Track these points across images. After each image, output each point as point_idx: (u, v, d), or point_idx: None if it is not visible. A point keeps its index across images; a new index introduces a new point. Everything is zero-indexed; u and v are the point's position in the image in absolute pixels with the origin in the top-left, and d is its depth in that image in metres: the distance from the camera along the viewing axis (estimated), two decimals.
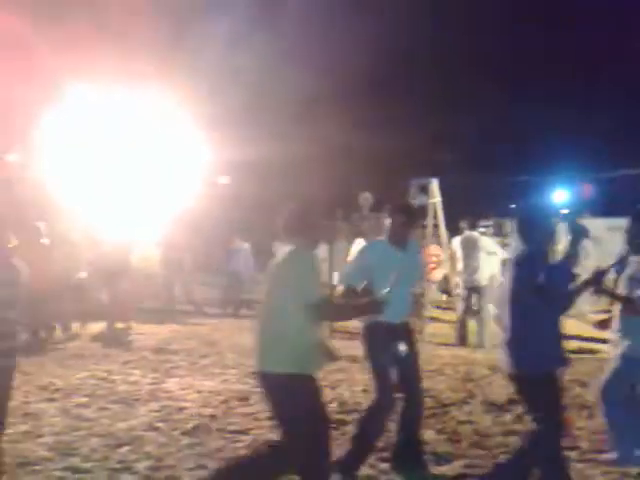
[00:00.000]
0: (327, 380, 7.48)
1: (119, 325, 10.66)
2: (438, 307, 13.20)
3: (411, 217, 5.14)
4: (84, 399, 6.77)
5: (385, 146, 20.03)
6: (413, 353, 5.08)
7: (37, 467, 4.88)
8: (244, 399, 6.81)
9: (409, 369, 5.00)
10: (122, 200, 11.93)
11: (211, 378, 7.77)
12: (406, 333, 5.10)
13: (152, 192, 12.70)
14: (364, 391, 7.00)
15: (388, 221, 5.13)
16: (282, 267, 3.92)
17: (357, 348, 9.55)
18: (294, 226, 4.01)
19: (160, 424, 5.96)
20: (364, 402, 6.54)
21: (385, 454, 5.12)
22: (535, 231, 4.25)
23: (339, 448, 5.31)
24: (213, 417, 6.22)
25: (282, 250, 4.03)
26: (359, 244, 12.29)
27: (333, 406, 6.50)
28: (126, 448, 5.33)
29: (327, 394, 6.87)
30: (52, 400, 6.69)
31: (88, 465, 4.95)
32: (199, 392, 7.10)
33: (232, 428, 5.89)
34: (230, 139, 15.23)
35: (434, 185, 11.05)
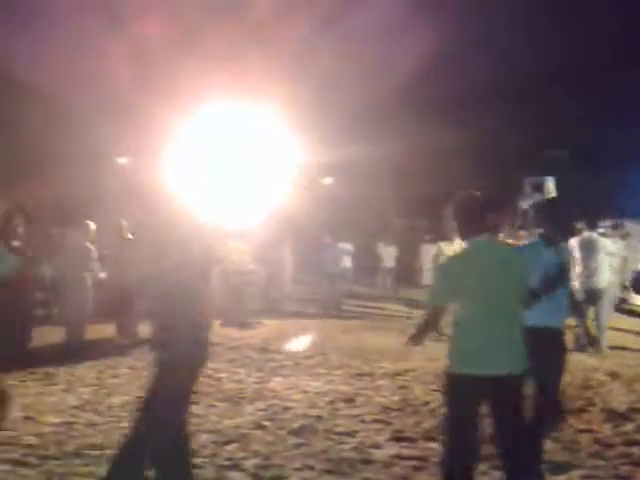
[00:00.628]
0: (436, 384, 7.26)
1: None
2: None
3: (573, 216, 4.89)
4: (192, 396, 6.83)
5: (496, 143, 19.54)
6: (562, 360, 4.80)
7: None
8: (350, 400, 6.70)
9: (551, 376, 4.73)
10: (225, 199, 12.09)
11: (316, 378, 7.70)
12: (561, 339, 4.82)
13: (254, 193, 12.83)
14: None
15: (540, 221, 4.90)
16: (505, 262, 3.78)
17: None
18: (477, 218, 3.86)
19: (267, 423, 5.94)
20: None
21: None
22: None
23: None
24: (319, 418, 6.14)
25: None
26: (458, 244, 12.04)
27: (442, 411, 6.26)
28: (234, 445, 5.33)
29: (436, 399, 6.68)
30: None
31: (197, 461, 4.96)
32: (304, 392, 7.05)
33: (338, 430, 5.79)
34: (335, 141, 15.23)
35: (549, 183, 10.63)
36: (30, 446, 5.00)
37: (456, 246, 11.98)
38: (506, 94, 21.21)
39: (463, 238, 3.92)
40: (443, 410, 3.90)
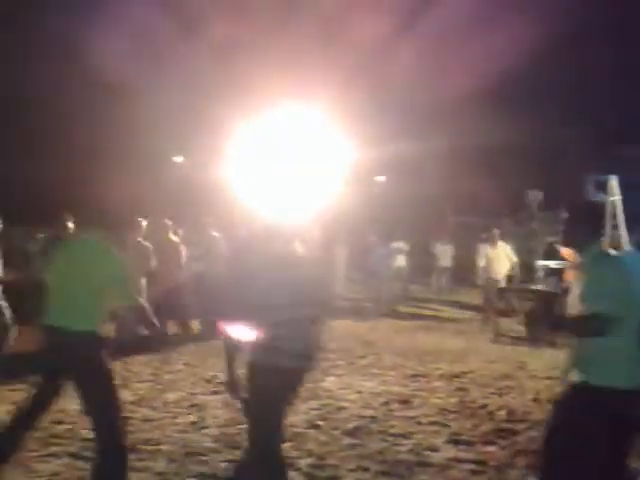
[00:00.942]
0: (494, 387, 7.13)
1: None
2: None
3: None
4: (246, 394, 6.80)
5: (556, 140, 19.08)
6: None
7: (204, 458, 4.94)
8: (405, 402, 6.58)
9: None
10: (283, 199, 12.10)
11: (370, 379, 7.60)
12: None
13: (309, 192, 12.81)
14: (534, 400, 6.55)
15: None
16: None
17: (524, 354, 9.12)
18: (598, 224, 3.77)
19: (321, 422, 5.87)
20: (534, 412, 6.12)
21: None
22: None
23: (509, 458, 5.00)
24: (374, 418, 6.04)
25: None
26: (504, 247, 11.82)
27: (501, 414, 6.10)
28: (288, 444, 5.25)
29: (495, 402, 6.53)
30: (216, 393, 6.79)
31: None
32: (359, 392, 6.95)
33: (393, 431, 5.68)
34: (389, 138, 15.10)
35: (613, 182, 10.32)
36: (87, 440, 5.03)
37: (500, 250, 11.78)
38: (566, 89, 20.74)
39: (582, 245, 3.68)
40: (565, 427, 3.51)
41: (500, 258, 11.72)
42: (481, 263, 11.98)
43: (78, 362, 4.19)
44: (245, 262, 4.04)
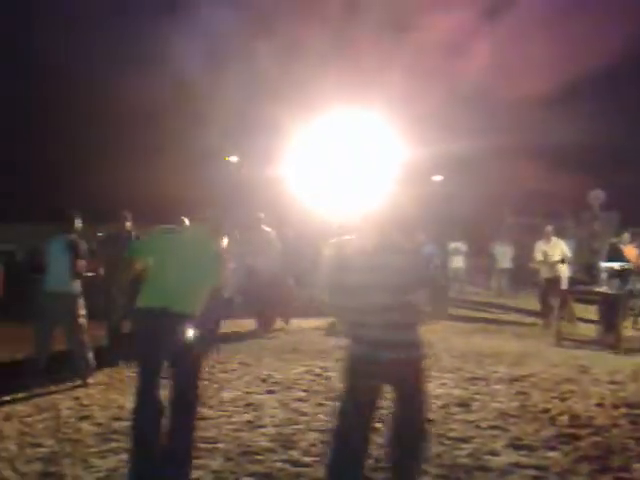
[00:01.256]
0: (556, 391, 6.91)
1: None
2: None
3: None
4: (302, 394, 6.79)
5: (620, 141, 18.55)
6: None
7: (259, 457, 4.91)
8: (464, 405, 6.43)
9: None
10: (335, 198, 12.09)
11: (428, 381, 7.44)
12: None
13: (364, 191, 12.77)
14: (598, 405, 6.32)
15: None
16: None
17: (586, 357, 8.84)
18: None
19: (377, 424, 5.76)
20: (598, 417, 5.90)
21: (624, 474, 4.53)
22: None
23: (572, 464, 4.83)
24: (431, 421, 5.91)
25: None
26: (558, 242, 11.58)
27: (563, 419, 5.90)
28: None
29: (557, 406, 6.33)
30: (271, 392, 6.80)
31: (307, 459, 4.90)
32: None
33: (452, 435, 5.55)
34: (446, 137, 14.91)
35: None
36: None
37: (553, 245, 11.55)
38: (629, 89, 20.13)
39: None
40: None
41: (555, 253, 11.55)
42: (538, 257, 11.76)
43: (174, 344, 4.26)
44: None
